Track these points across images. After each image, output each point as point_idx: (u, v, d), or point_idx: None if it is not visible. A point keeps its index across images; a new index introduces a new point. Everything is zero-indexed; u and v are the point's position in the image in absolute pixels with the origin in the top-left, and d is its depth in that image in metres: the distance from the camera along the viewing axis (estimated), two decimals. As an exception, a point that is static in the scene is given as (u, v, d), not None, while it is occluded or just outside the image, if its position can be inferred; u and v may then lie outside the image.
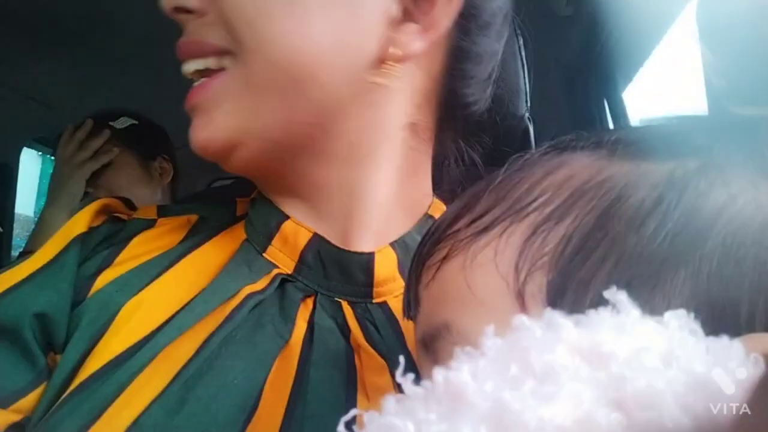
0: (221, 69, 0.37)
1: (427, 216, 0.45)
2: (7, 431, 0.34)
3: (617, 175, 0.25)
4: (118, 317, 0.36)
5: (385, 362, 0.37)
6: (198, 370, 0.34)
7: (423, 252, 0.29)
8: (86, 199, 0.51)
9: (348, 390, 0.36)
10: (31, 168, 3.22)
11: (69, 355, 0.35)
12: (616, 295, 0.18)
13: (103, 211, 0.44)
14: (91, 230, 0.41)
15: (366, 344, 0.38)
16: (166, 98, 0.73)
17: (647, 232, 0.22)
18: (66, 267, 0.39)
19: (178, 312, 0.37)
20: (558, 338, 0.17)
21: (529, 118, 0.73)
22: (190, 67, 0.38)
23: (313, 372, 0.36)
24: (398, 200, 0.43)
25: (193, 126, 0.38)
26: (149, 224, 0.44)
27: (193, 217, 0.45)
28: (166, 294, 0.38)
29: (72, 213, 0.42)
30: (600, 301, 0.18)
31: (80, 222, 0.41)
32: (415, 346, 0.30)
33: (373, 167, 0.41)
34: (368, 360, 0.38)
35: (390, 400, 0.17)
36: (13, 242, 1.65)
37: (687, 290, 0.21)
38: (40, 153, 2.12)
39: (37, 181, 3.24)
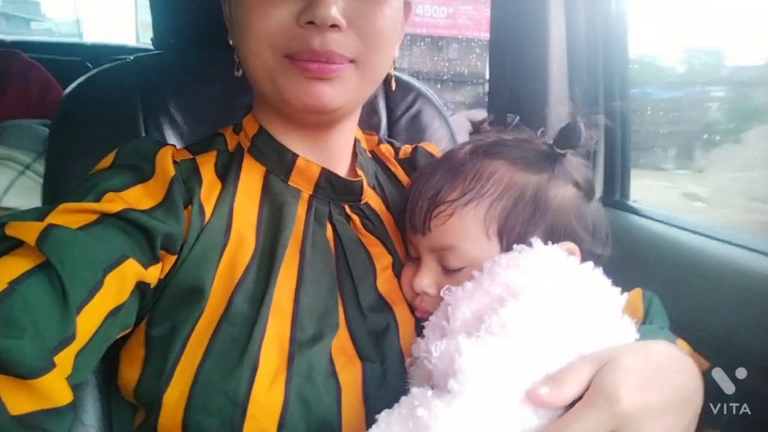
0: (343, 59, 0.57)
1: (359, 144, 0.71)
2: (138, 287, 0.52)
3: (522, 181, 0.60)
4: (228, 244, 0.58)
5: (375, 238, 0.67)
6: (304, 275, 0.59)
7: (432, 204, 0.60)
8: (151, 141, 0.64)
9: (366, 252, 0.65)
10: None
11: (210, 256, 0.57)
12: (534, 239, 0.56)
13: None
14: (176, 173, 0.58)
15: (363, 229, 0.66)
16: None
17: (541, 209, 0.59)
18: (175, 204, 0.56)
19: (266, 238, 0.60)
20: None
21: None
22: (327, 68, 0.56)
23: (347, 248, 0.63)
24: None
25: (320, 89, 0.57)
26: (194, 163, 0.62)
27: (213, 152, 0.64)
28: (247, 220, 0.60)
29: None
30: (523, 240, 0.57)
31: (169, 167, 0.58)
32: (393, 230, 0.69)
33: (353, 122, 0.68)
34: (365, 238, 0.66)
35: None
36: None
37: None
38: None
39: None
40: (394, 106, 0.98)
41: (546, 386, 0.42)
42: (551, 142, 0.62)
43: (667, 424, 0.42)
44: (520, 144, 0.63)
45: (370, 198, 0.69)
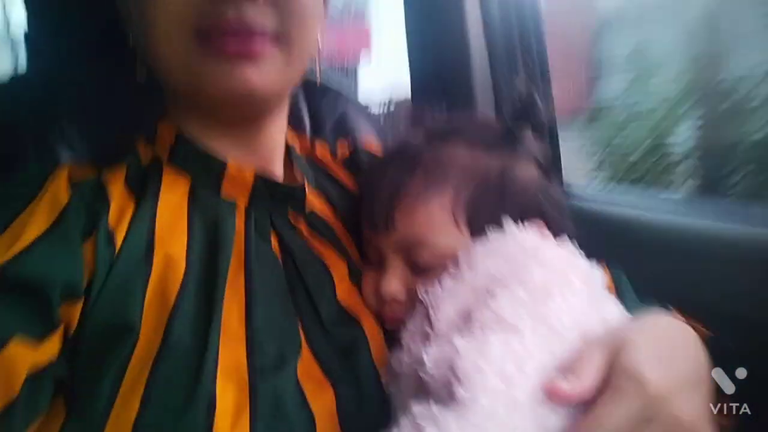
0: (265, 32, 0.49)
1: (293, 149, 0.65)
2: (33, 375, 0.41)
3: (485, 163, 0.56)
4: (154, 269, 0.49)
5: (327, 247, 0.60)
6: (253, 293, 0.51)
7: (394, 198, 0.55)
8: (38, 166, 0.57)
9: (320, 262, 0.58)
10: None
11: (135, 296, 0.47)
12: (508, 223, 0.52)
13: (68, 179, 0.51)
14: (72, 199, 0.49)
15: (312, 238, 0.59)
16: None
17: (509, 191, 0.55)
18: (69, 237, 0.46)
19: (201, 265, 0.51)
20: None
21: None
22: (247, 45, 0.48)
23: (297, 260, 0.56)
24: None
25: (244, 72, 0.49)
26: (99, 182, 0.52)
27: (123, 167, 0.55)
28: (175, 240, 0.51)
29: None
30: (492, 226, 0.52)
31: (61, 193, 0.49)
32: (344, 237, 0.62)
33: (282, 117, 0.61)
34: (317, 247, 0.59)
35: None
36: None
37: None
38: None
39: None
40: (317, 111, 0.92)
41: (564, 379, 0.37)
42: (505, 120, 0.59)
43: (697, 400, 0.40)
44: (475, 126, 0.60)
45: (315, 204, 0.62)
